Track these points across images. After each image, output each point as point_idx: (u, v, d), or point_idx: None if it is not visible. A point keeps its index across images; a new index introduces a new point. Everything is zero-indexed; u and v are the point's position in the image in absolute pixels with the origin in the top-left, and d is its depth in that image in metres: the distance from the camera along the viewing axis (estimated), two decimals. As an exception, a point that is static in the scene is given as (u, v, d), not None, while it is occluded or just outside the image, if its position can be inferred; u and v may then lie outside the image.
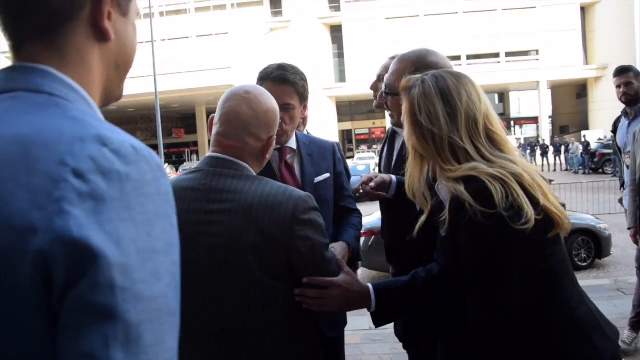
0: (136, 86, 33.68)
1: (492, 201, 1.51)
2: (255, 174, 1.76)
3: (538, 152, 36.44)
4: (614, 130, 5.19)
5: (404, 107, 1.80)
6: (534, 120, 50.75)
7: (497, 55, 46.79)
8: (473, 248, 1.60)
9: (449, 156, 1.67)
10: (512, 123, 54.70)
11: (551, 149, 36.59)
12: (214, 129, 1.79)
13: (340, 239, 2.56)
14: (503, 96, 55.78)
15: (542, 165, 34.63)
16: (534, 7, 46.17)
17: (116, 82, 0.98)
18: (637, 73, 4.81)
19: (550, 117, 49.81)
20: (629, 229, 4.63)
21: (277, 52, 42.84)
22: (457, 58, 45.34)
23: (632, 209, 4.54)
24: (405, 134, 1.81)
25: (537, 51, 46.78)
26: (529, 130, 52.87)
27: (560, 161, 34.55)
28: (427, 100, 1.70)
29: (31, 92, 0.81)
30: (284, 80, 2.48)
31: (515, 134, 52.11)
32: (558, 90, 51.66)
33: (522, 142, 41.59)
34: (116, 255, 0.68)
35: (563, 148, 34.50)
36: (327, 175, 2.70)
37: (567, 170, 32.54)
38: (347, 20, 46.61)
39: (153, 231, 0.73)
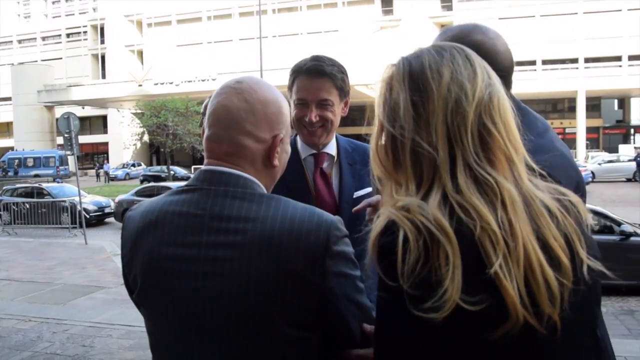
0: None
1: (393, 270, 1.01)
2: (265, 190, 1.38)
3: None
4: None
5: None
6: (657, 128, 47.69)
7: (619, 58, 44.49)
8: (375, 325, 1.17)
9: (408, 170, 1.12)
10: (632, 131, 51.75)
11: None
12: (204, 136, 1.41)
13: None
14: (623, 102, 52.88)
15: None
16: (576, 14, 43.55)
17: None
18: None
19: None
20: None
21: (387, 51, 42.86)
22: (575, 61, 43.72)
23: None
24: (371, 141, 1.25)
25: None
26: (650, 139, 49.74)
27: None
28: (393, 88, 1.16)
29: None
30: (320, 73, 2.15)
31: (634, 142, 49.28)
32: None
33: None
34: None
35: None
36: (369, 189, 2.30)
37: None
38: (458, 20, 45.78)
39: None
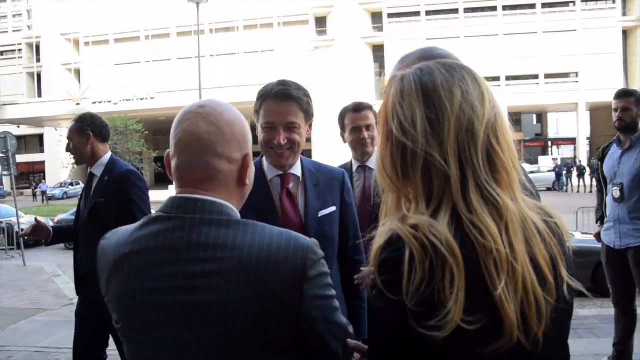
0: (183, 99, 35.46)
1: (398, 285, 1.03)
2: (237, 212, 1.38)
3: (574, 173, 36.77)
4: (602, 158, 4.70)
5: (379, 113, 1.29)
6: (572, 141, 50.75)
7: (536, 76, 47.24)
8: (370, 335, 1.22)
9: (418, 185, 1.13)
10: (550, 143, 54.68)
11: (588, 170, 36.56)
12: (172, 164, 1.38)
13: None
14: (541, 117, 55.86)
15: (579, 186, 34.99)
16: (575, 30, 46.59)
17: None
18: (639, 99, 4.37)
19: (588, 138, 49.84)
20: None
21: (321, 70, 44.43)
22: (497, 79, 45.89)
23: None
24: (377, 152, 1.27)
25: (576, 73, 47.03)
26: (566, 151, 52.83)
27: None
28: (404, 102, 1.16)
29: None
30: (287, 97, 2.20)
31: (552, 154, 52.29)
32: (597, 112, 51.54)
33: (559, 162, 41.83)
34: None
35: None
36: (333, 208, 2.42)
37: (601, 191, 32.70)
38: (389, 40, 47.76)
39: None
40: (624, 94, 4.40)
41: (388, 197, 1.21)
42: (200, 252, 1.26)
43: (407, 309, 1.01)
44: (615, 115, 4.38)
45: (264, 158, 2.35)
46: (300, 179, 2.38)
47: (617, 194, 4.36)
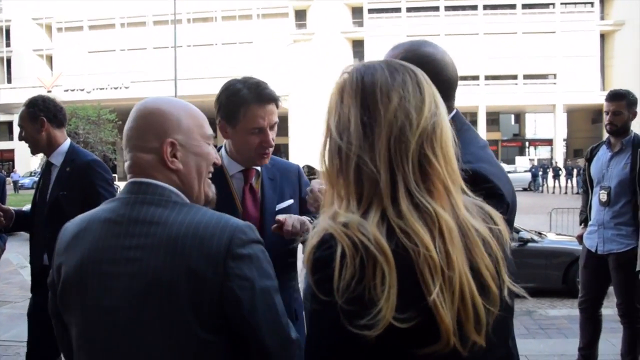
0: (158, 89, 34.77)
1: (329, 284, 1.02)
2: (184, 197, 1.47)
3: (550, 174, 36.96)
4: (589, 159, 4.59)
5: None
6: (549, 142, 51.25)
7: (515, 77, 47.51)
8: (307, 338, 1.14)
9: (350, 184, 1.12)
10: (527, 144, 55.30)
11: (563, 171, 36.86)
12: None
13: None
14: (519, 117, 56.35)
15: (554, 187, 35.16)
16: (554, 32, 46.92)
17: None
18: (631, 102, 4.25)
19: (564, 140, 50.32)
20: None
21: (300, 64, 43.99)
22: (476, 78, 46.14)
23: None
24: (320, 146, 1.24)
25: (554, 75, 47.45)
26: (543, 152, 53.33)
27: (572, 184, 34.96)
28: (343, 100, 1.16)
29: None
30: (271, 98, 2.22)
31: (529, 154, 52.70)
32: (574, 114, 52.16)
33: (535, 163, 42.07)
34: None
35: (575, 171, 34.77)
36: (291, 201, 2.45)
37: (577, 193, 32.92)
38: (369, 36, 47.59)
39: None
40: (615, 97, 4.26)
41: (327, 191, 1.20)
42: (138, 228, 1.36)
43: (338, 307, 1.01)
44: (606, 119, 4.28)
45: (223, 152, 2.36)
46: (259, 175, 2.40)
47: (604, 197, 4.28)
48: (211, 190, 1.59)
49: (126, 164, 1.48)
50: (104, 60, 51.00)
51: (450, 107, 1.69)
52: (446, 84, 1.71)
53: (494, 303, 1.08)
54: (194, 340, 1.32)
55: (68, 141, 3.50)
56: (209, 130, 1.56)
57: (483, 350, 1.07)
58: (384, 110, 1.11)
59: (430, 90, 1.16)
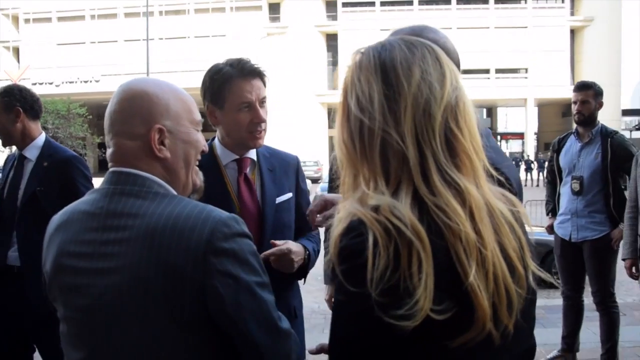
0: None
1: (360, 274, 0.95)
2: (167, 186, 1.37)
3: (522, 167, 37.39)
4: (557, 150, 4.69)
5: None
6: (520, 135, 52.03)
7: (487, 71, 47.85)
8: (332, 329, 1.07)
9: (376, 163, 1.06)
10: (499, 137, 55.98)
11: (535, 164, 37.32)
12: None
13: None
14: (491, 111, 57.03)
15: (526, 180, 35.58)
16: (526, 27, 47.42)
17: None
18: (598, 92, 4.38)
19: (535, 133, 51.04)
20: (623, 259, 4.09)
21: (273, 57, 43.71)
22: (449, 72, 46.36)
23: (628, 239, 4.04)
24: (337, 126, 1.18)
25: (526, 69, 47.99)
26: (514, 146, 54.16)
27: (544, 177, 35.44)
28: (362, 76, 1.11)
29: None
30: (256, 72, 2.13)
31: (501, 148, 53.31)
32: (545, 108, 52.89)
33: (508, 156, 42.49)
34: None
35: (547, 164, 35.11)
36: (290, 195, 2.31)
37: (548, 185, 33.42)
38: (343, 30, 47.48)
39: None
40: (582, 87, 4.42)
41: (346, 175, 1.13)
42: (115, 221, 1.28)
43: (372, 299, 0.94)
44: (574, 108, 4.42)
45: (216, 142, 2.25)
46: (256, 164, 2.28)
47: (576, 187, 4.39)
48: (199, 178, 1.51)
49: (109, 151, 1.39)
50: (74, 52, 49.95)
51: None
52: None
53: (522, 285, 1.05)
54: (174, 341, 1.25)
55: (43, 135, 3.33)
56: (198, 116, 1.47)
57: (514, 339, 1.03)
58: (407, 84, 1.06)
59: (450, 64, 1.13)
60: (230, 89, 2.09)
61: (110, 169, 1.38)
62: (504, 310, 1.00)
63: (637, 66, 47.05)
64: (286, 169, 2.36)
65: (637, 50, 46.77)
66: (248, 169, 2.23)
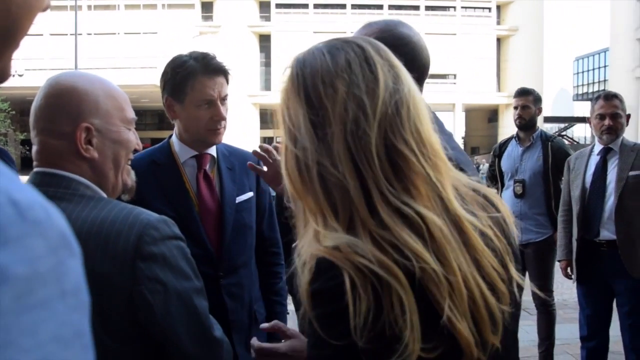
0: (58, 79, 33.27)
1: (342, 321, 0.84)
2: (96, 189, 1.30)
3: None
4: (499, 155, 4.77)
5: None
6: (448, 140, 53.37)
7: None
8: None
9: (319, 197, 0.93)
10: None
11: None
12: None
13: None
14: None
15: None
16: (455, 34, 48.82)
17: None
18: (537, 98, 4.58)
19: (462, 137, 52.53)
20: (559, 261, 4.21)
21: (205, 56, 43.28)
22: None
23: (562, 241, 4.14)
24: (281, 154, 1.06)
25: (454, 75, 49.35)
26: (442, 150, 55.51)
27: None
28: (290, 102, 0.98)
29: None
30: (220, 70, 2.04)
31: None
32: (471, 113, 54.57)
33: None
34: None
35: (486, 169, 36.19)
36: (251, 194, 2.20)
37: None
38: (276, 31, 47.58)
39: None
40: (523, 93, 4.56)
41: (297, 208, 1.00)
42: None
43: (358, 349, 0.83)
44: (515, 113, 4.54)
45: (174, 139, 2.15)
46: (215, 162, 2.17)
47: (519, 189, 4.47)
48: (130, 177, 1.44)
49: (34, 149, 1.31)
50: (-4, 45, 48.07)
51: None
52: (420, 69, 1.57)
53: (506, 302, 0.95)
54: (103, 351, 1.13)
55: None
56: (131, 114, 1.39)
57: (500, 354, 0.95)
58: (330, 104, 0.92)
59: (388, 62, 0.97)
60: (193, 85, 2.00)
61: (35, 169, 1.30)
62: (488, 332, 0.91)
63: (557, 75, 49.17)
64: (246, 167, 2.15)
65: (558, 60, 48.86)
66: (208, 166, 2.14)
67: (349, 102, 0.91)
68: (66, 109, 1.28)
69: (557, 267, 4.39)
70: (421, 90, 1.57)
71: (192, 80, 1.99)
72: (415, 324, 0.83)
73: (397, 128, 0.91)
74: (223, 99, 2.06)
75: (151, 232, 1.21)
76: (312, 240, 0.92)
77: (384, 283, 0.84)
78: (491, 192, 1.07)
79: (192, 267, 1.30)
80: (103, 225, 1.19)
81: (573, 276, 4.02)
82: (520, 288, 1.01)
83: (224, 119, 2.07)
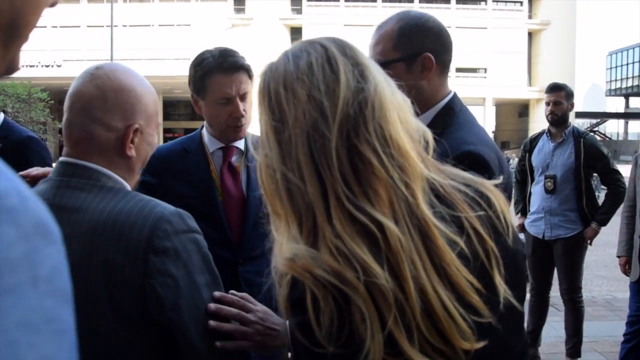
0: (96, 70, 34.01)
1: (312, 334, 0.85)
2: (122, 182, 1.33)
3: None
4: (529, 150, 4.72)
5: None
6: (478, 134, 53.16)
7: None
8: None
9: (285, 205, 0.92)
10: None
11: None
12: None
13: None
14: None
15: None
16: (485, 28, 48.60)
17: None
18: (569, 94, 4.51)
19: (493, 132, 52.32)
20: (618, 256, 4.12)
21: (237, 48, 43.85)
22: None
23: (624, 237, 4.06)
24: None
25: (485, 69, 49.18)
26: (471, 144, 55.25)
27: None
28: (259, 108, 0.98)
29: None
30: (239, 67, 2.07)
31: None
32: (502, 107, 54.32)
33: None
34: None
35: (516, 164, 35.83)
36: None
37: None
38: (307, 24, 47.86)
39: None
40: (555, 88, 4.53)
41: (272, 216, 0.99)
42: (59, 215, 1.13)
43: (329, 355, 0.84)
44: (547, 109, 4.52)
45: (204, 130, 2.23)
46: (244, 154, 2.21)
47: (550, 185, 4.46)
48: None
49: (75, 132, 1.31)
50: (35, 36, 48.60)
51: (445, 88, 1.69)
52: (446, 45, 1.66)
53: (478, 309, 0.89)
54: (123, 343, 1.22)
55: (1, 115, 3.21)
56: (159, 119, 1.48)
57: (496, 346, 0.91)
58: (292, 110, 0.91)
59: (353, 61, 0.94)
60: (211, 82, 2.06)
61: (60, 159, 1.32)
62: (457, 339, 0.87)
63: (589, 70, 48.60)
64: None
65: (590, 55, 48.28)
66: (234, 158, 2.18)
67: (309, 106, 0.90)
68: (123, 106, 1.31)
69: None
70: (449, 64, 1.69)
71: (209, 77, 2.05)
72: (377, 334, 0.82)
73: (360, 129, 0.89)
74: (243, 96, 2.07)
75: (164, 225, 1.22)
76: (276, 250, 0.92)
77: (343, 294, 0.83)
78: (487, 185, 1.01)
79: (206, 261, 1.30)
80: (119, 217, 1.21)
81: (630, 274, 3.94)
82: (510, 293, 0.94)
83: (242, 116, 2.08)
